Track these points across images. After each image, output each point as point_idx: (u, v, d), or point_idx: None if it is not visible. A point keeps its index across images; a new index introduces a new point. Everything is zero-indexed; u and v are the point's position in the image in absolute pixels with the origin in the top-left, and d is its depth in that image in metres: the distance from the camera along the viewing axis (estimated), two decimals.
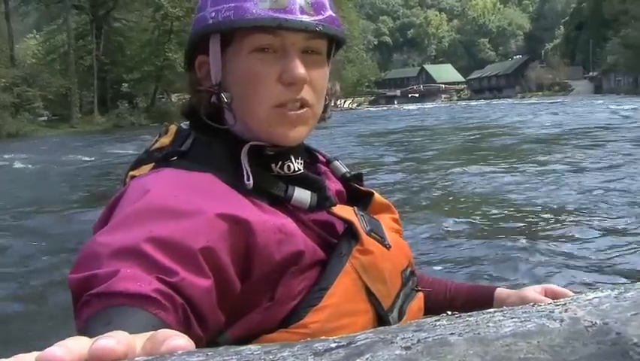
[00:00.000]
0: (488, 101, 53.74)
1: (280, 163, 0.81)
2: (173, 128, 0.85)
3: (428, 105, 54.56)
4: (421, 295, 0.92)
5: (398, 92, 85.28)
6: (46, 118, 35.92)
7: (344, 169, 0.95)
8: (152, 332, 0.37)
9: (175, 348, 0.34)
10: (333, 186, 0.90)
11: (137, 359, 0.33)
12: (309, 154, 0.92)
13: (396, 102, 76.48)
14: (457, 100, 73.83)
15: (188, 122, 0.85)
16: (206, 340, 0.62)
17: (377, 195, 0.95)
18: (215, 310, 0.63)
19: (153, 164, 0.80)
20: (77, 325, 0.56)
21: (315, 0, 0.78)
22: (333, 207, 0.81)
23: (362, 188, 0.94)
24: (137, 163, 0.83)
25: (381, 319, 0.78)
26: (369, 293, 0.77)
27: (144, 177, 0.76)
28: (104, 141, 18.25)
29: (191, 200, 0.67)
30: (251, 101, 0.78)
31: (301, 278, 0.74)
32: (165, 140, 0.83)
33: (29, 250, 4.66)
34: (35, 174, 10.69)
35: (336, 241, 0.79)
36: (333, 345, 0.31)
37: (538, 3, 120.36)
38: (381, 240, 0.82)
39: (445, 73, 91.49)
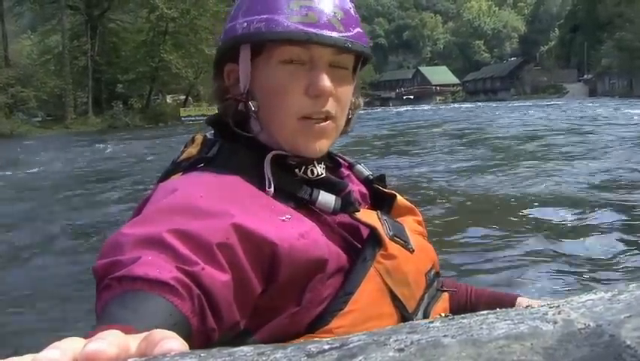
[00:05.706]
0: (482, 103, 53.92)
1: (304, 168, 0.83)
2: (199, 138, 0.86)
3: (421, 107, 54.75)
4: (446, 296, 0.93)
5: (393, 94, 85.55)
6: (40, 119, 35.84)
7: (367, 172, 0.97)
8: (146, 333, 0.37)
9: (168, 350, 0.34)
10: (357, 188, 0.91)
11: (130, 360, 0.34)
12: (331, 159, 0.93)
13: (391, 104, 76.65)
14: (452, 102, 73.99)
15: (213, 132, 0.87)
16: (219, 335, 0.62)
17: (400, 198, 0.96)
18: (232, 306, 0.64)
19: (181, 173, 0.81)
20: (97, 308, 0.57)
21: (344, 17, 0.81)
22: (356, 213, 0.81)
23: (385, 190, 0.95)
24: (165, 175, 0.83)
25: (406, 321, 0.78)
26: (394, 297, 0.78)
27: (172, 180, 0.78)
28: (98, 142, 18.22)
29: (216, 202, 0.68)
30: (277, 111, 0.80)
31: (327, 284, 0.74)
32: (192, 150, 0.84)
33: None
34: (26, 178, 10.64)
35: (360, 245, 0.80)
36: (326, 347, 0.31)
37: (533, 5, 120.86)
38: (405, 244, 0.83)
39: (440, 75, 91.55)
